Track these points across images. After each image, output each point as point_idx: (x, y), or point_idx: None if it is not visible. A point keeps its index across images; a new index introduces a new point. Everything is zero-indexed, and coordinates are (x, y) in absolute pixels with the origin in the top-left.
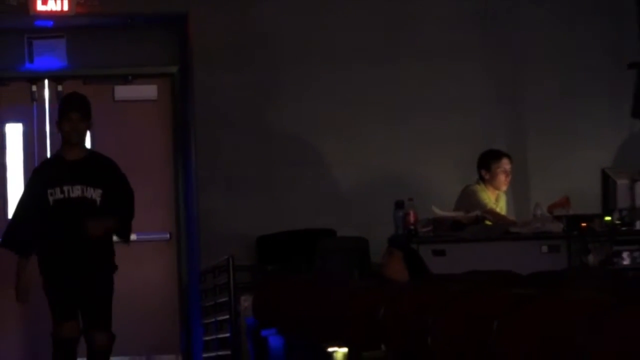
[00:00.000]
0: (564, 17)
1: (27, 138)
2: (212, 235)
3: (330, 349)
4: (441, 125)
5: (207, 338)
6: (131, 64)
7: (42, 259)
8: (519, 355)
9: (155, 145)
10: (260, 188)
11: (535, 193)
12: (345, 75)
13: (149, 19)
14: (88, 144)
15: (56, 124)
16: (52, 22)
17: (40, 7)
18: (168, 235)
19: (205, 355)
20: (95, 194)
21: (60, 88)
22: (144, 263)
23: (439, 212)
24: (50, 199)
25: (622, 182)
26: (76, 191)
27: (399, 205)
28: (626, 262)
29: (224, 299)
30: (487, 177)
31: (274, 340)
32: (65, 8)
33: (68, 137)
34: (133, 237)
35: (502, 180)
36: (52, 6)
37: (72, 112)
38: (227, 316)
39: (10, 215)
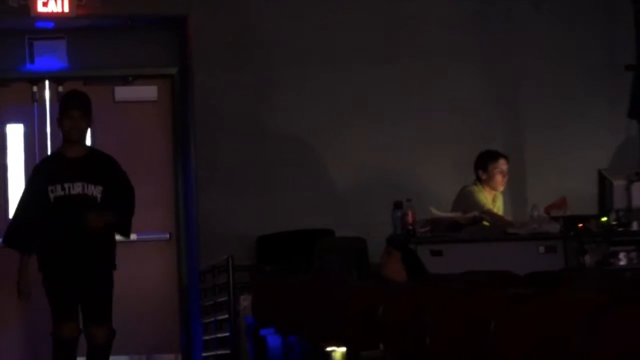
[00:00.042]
0: (562, 19)
1: (28, 138)
2: (212, 235)
3: (328, 348)
4: (439, 126)
5: (206, 337)
6: (131, 65)
7: (43, 256)
8: (517, 355)
9: (155, 145)
10: (259, 188)
11: (532, 194)
12: (344, 76)
13: (149, 21)
14: (88, 143)
15: (57, 121)
16: (52, 24)
17: (41, 8)
18: (168, 235)
19: (204, 354)
20: (96, 190)
21: (60, 89)
22: (144, 263)
23: (437, 212)
24: (51, 195)
25: (618, 183)
26: (77, 188)
27: (397, 205)
28: (623, 262)
29: (223, 299)
30: (484, 177)
31: (273, 339)
32: (66, 10)
33: (68, 134)
34: (133, 236)
35: (499, 180)
36: (53, 8)
37: (72, 110)
38: (227, 315)
39: (11, 215)
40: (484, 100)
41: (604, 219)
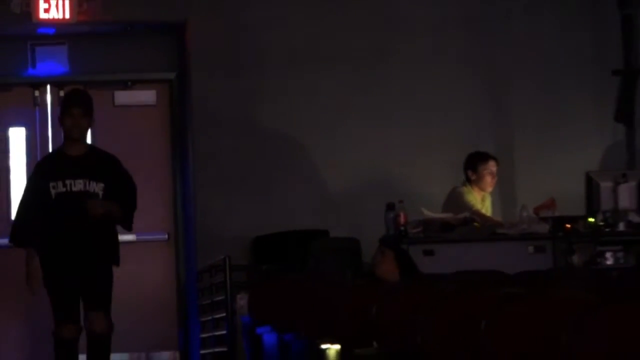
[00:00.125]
0: (551, 24)
1: (30, 142)
2: (209, 236)
3: (323, 346)
4: (430, 128)
5: (204, 335)
6: (131, 70)
7: (44, 252)
8: (507, 352)
9: (154, 148)
10: (255, 190)
11: (521, 195)
12: (340, 80)
13: (148, 27)
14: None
15: (58, 119)
16: (54, 29)
17: (42, 14)
18: (166, 236)
19: (202, 352)
20: (97, 187)
21: (61, 93)
22: (142, 263)
23: (428, 213)
24: (53, 192)
25: (605, 185)
26: (78, 185)
27: (390, 207)
28: (609, 262)
29: (220, 298)
30: (473, 177)
31: (269, 337)
32: (67, 16)
33: (70, 132)
34: (132, 237)
35: (488, 181)
36: (54, 14)
37: (74, 108)
38: (224, 314)
39: (14, 216)
40: (474, 103)
41: (592, 219)
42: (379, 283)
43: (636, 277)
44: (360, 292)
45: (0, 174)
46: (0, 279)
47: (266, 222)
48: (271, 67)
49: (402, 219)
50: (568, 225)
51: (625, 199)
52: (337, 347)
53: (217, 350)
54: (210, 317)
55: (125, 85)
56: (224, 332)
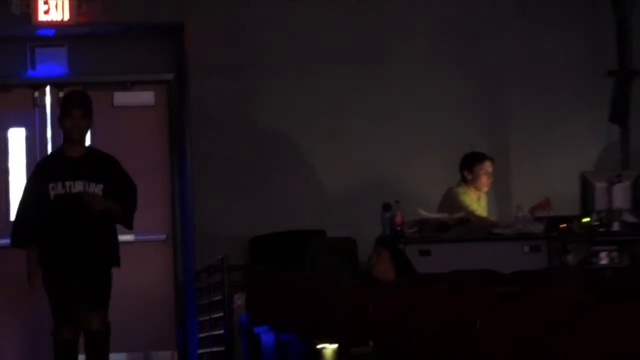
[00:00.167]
0: (547, 26)
1: (30, 142)
2: (207, 236)
3: (320, 346)
4: (427, 129)
5: (202, 335)
6: (129, 71)
7: (43, 254)
8: (502, 351)
9: (152, 149)
10: (253, 190)
11: (516, 195)
12: (336, 82)
13: (147, 29)
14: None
15: (58, 120)
16: (53, 31)
17: (42, 16)
18: (164, 236)
19: (200, 351)
20: (97, 189)
21: (61, 94)
22: (141, 263)
23: (424, 213)
24: (52, 193)
25: (600, 185)
26: (78, 187)
27: (387, 207)
28: (604, 261)
29: (218, 298)
30: (469, 177)
31: (266, 337)
32: (67, 17)
33: (69, 133)
34: (131, 237)
35: (484, 181)
36: (54, 16)
37: (73, 109)
38: (221, 314)
39: (13, 217)
40: (471, 104)
41: (586, 219)
42: (375, 283)
43: (630, 276)
44: (356, 291)
45: None
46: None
47: (264, 222)
48: (268, 68)
49: (398, 219)
50: (563, 225)
51: (619, 199)
52: (334, 346)
53: (214, 349)
54: (208, 317)
55: (124, 86)
56: (222, 331)
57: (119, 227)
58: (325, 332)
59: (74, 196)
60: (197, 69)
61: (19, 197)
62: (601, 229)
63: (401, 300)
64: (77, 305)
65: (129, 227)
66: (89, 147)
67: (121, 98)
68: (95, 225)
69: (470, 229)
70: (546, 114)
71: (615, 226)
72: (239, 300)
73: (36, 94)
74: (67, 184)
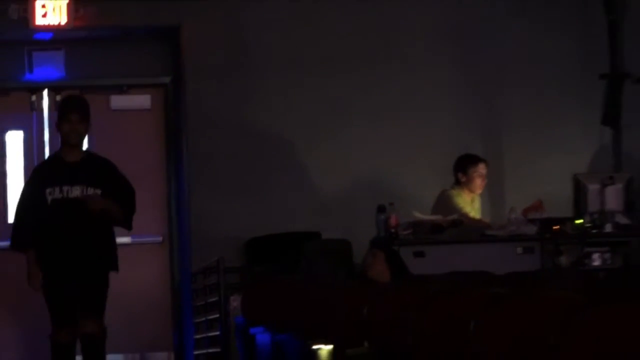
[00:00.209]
0: (539, 29)
1: (27, 145)
2: (203, 238)
3: (315, 346)
4: (420, 132)
5: (198, 336)
6: (126, 74)
7: (40, 258)
8: (495, 351)
9: (149, 151)
10: (249, 193)
11: (510, 197)
12: (330, 84)
13: (143, 32)
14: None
15: (55, 125)
16: (51, 35)
17: (39, 20)
18: (161, 238)
19: (196, 352)
20: (94, 193)
21: (58, 98)
22: (137, 265)
23: (419, 215)
24: (49, 197)
25: (592, 187)
26: (75, 191)
27: (381, 209)
28: (596, 263)
29: (214, 299)
30: (463, 179)
31: (262, 338)
32: (64, 21)
33: (67, 138)
34: (127, 239)
35: (478, 184)
36: (51, 20)
37: (71, 114)
38: (217, 315)
39: (10, 219)
40: (465, 106)
41: (579, 221)
42: (370, 284)
43: (623, 277)
44: (351, 293)
45: None
46: None
47: (259, 224)
48: (264, 71)
49: (393, 221)
50: (556, 227)
51: (612, 201)
52: (330, 347)
53: (211, 350)
54: (204, 318)
55: (121, 89)
56: (218, 332)
57: (116, 229)
58: (321, 333)
59: (71, 201)
60: (194, 72)
61: (17, 202)
62: (594, 231)
63: (396, 301)
64: (74, 309)
65: (129, 228)
66: (86, 151)
67: (118, 101)
68: (93, 230)
69: (464, 230)
70: (539, 117)
71: (608, 228)
72: (235, 301)
73: (34, 97)
74: (65, 188)
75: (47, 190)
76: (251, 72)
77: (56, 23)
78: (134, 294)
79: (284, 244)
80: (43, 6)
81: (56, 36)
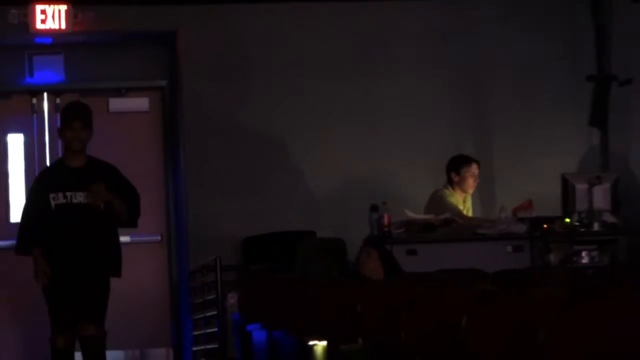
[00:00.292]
0: (529, 33)
1: (28, 147)
2: (201, 237)
3: (310, 343)
4: (413, 133)
5: (196, 333)
6: (124, 78)
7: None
8: (487, 347)
9: (147, 153)
10: (245, 193)
11: (500, 196)
12: (324, 86)
13: (141, 36)
14: None
15: (58, 131)
16: (50, 39)
17: (39, 25)
18: (159, 237)
19: (194, 348)
20: (99, 186)
21: (58, 100)
22: (137, 263)
23: (411, 214)
24: (53, 203)
25: (580, 187)
26: (79, 197)
27: (374, 208)
28: (585, 260)
29: (211, 297)
30: (456, 179)
31: (258, 334)
32: (63, 26)
33: (70, 144)
34: (127, 238)
35: (471, 184)
36: (51, 24)
37: (74, 121)
38: (215, 312)
39: (12, 219)
40: (455, 109)
41: (568, 220)
42: (363, 281)
43: (610, 275)
44: (345, 290)
45: None
46: None
47: (255, 223)
48: (258, 73)
49: (386, 220)
50: (545, 226)
51: (599, 200)
52: (324, 343)
53: (208, 346)
54: (202, 315)
55: (119, 92)
56: (215, 329)
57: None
58: (316, 329)
59: (74, 206)
60: (190, 75)
61: (22, 208)
62: (582, 229)
63: (389, 299)
64: (74, 313)
65: (134, 227)
66: (89, 157)
67: (116, 104)
68: (96, 234)
69: (456, 229)
70: (529, 118)
71: (596, 226)
72: (232, 299)
73: (34, 100)
74: (68, 194)
75: (51, 196)
76: (246, 75)
77: (56, 28)
78: (134, 291)
79: (280, 242)
80: (43, 11)
81: (56, 41)
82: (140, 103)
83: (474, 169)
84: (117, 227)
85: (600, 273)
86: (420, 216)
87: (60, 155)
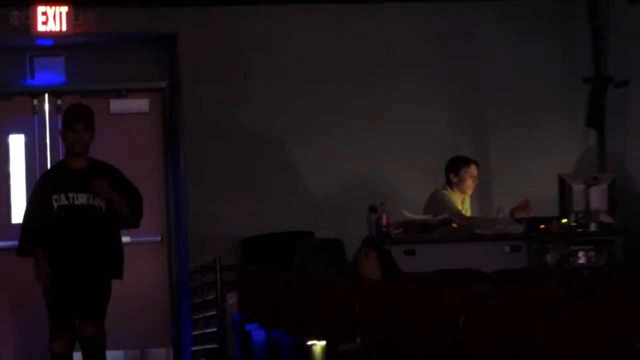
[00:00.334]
0: (526, 35)
1: (29, 148)
2: (200, 238)
3: (309, 342)
4: (411, 134)
5: (195, 332)
6: (125, 79)
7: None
8: (484, 346)
9: (147, 154)
10: (244, 194)
11: (497, 197)
12: (324, 88)
13: (141, 38)
14: None
15: (60, 133)
16: (51, 41)
17: (40, 27)
18: (159, 238)
19: (194, 348)
20: (100, 201)
21: (59, 102)
22: (137, 264)
23: (409, 215)
24: (55, 204)
25: (577, 187)
26: (81, 199)
27: (372, 209)
28: (581, 260)
29: (211, 297)
30: (455, 180)
31: (258, 334)
32: (64, 28)
33: (72, 147)
34: (127, 239)
35: (469, 184)
36: (52, 26)
37: (76, 123)
38: (214, 312)
39: (14, 220)
40: (452, 110)
41: (564, 220)
42: (362, 282)
43: (607, 275)
44: (344, 290)
45: (0, 179)
46: None
47: (255, 224)
48: (257, 75)
49: (384, 221)
50: (542, 226)
51: (596, 201)
52: (323, 343)
53: (208, 346)
54: (201, 315)
55: (119, 94)
56: (215, 329)
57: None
58: (314, 329)
59: (77, 207)
60: (190, 77)
61: (24, 210)
62: (579, 230)
63: (387, 299)
64: (73, 315)
65: (136, 226)
66: (91, 159)
67: (117, 105)
68: (98, 236)
69: (453, 229)
70: (526, 119)
71: (593, 227)
72: (232, 299)
73: (35, 101)
74: (71, 195)
75: (54, 197)
76: (246, 77)
77: (57, 30)
78: (134, 291)
79: (279, 243)
80: (44, 14)
81: (57, 42)
82: (140, 104)
83: (473, 170)
84: (120, 228)
85: (597, 273)
86: (418, 216)
87: (61, 156)
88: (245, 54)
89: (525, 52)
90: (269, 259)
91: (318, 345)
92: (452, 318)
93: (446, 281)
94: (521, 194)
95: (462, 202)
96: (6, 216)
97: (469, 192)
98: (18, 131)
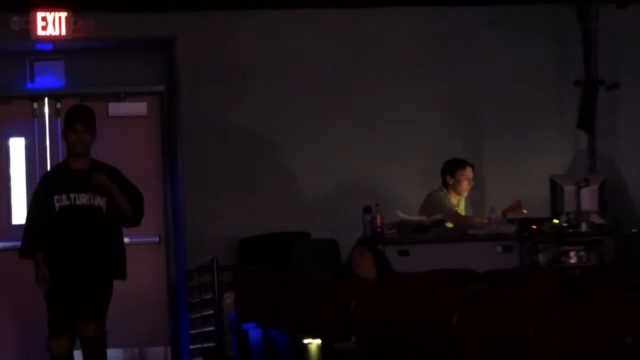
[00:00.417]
0: (518, 39)
1: (29, 151)
2: (198, 238)
3: (305, 341)
4: (405, 136)
5: (193, 331)
6: (123, 83)
7: (48, 262)
8: (476, 344)
9: (146, 156)
10: (241, 195)
11: (490, 198)
12: (320, 90)
13: (140, 43)
14: None
15: (62, 134)
16: (51, 46)
17: (40, 32)
18: (157, 238)
19: (192, 347)
20: (102, 201)
21: (59, 105)
22: (135, 264)
23: (403, 216)
24: (57, 205)
25: (568, 188)
26: (82, 199)
27: (367, 210)
28: (573, 260)
29: (208, 296)
30: (450, 182)
31: (254, 333)
32: (63, 33)
33: (73, 147)
34: (126, 240)
35: (465, 187)
36: (51, 31)
37: (77, 124)
38: (212, 311)
39: (14, 221)
40: (446, 112)
41: (556, 221)
42: (357, 281)
43: (598, 275)
44: (339, 290)
45: (1, 182)
46: None
47: (251, 224)
48: (254, 78)
49: (378, 221)
50: (534, 227)
51: (587, 202)
52: (318, 341)
53: (205, 345)
54: (199, 314)
55: (118, 97)
56: (212, 328)
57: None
58: (310, 328)
59: (78, 207)
60: (188, 81)
61: (27, 211)
62: (570, 230)
63: (382, 298)
64: (73, 316)
65: (137, 225)
66: (92, 160)
67: (116, 108)
68: (100, 236)
69: (447, 230)
70: (518, 121)
71: (584, 227)
72: (229, 298)
73: (35, 105)
74: (72, 195)
75: (55, 197)
76: (244, 81)
77: (56, 34)
78: (133, 291)
79: (275, 243)
80: (44, 18)
81: (56, 47)
82: (139, 108)
83: (469, 172)
84: (122, 227)
85: (587, 273)
86: (413, 217)
87: (61, 159)
88: (243, 58)
89: (518, 56)
90: (266, 259)
91: (314, 343)
92: (446, 317)
93: (439, 281)
94: (513, 195)
95: (458, 204)
96: (7, 218)
97: (465, 194)
98: (18, 134)
